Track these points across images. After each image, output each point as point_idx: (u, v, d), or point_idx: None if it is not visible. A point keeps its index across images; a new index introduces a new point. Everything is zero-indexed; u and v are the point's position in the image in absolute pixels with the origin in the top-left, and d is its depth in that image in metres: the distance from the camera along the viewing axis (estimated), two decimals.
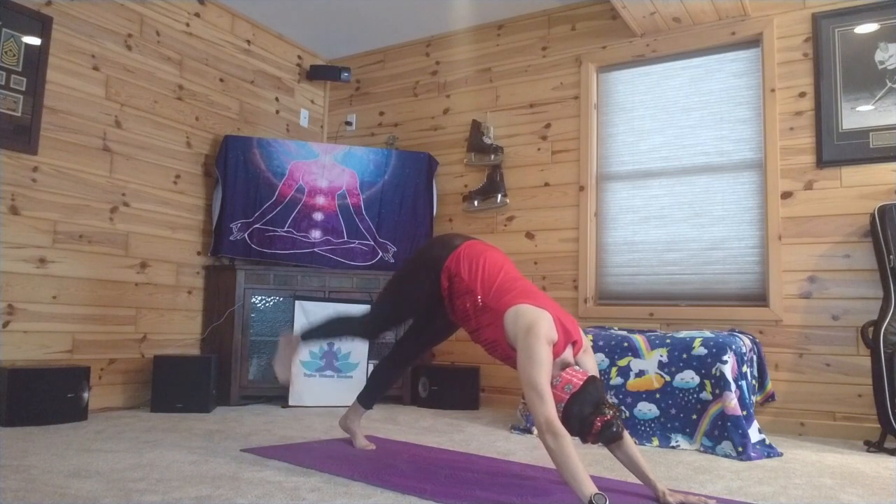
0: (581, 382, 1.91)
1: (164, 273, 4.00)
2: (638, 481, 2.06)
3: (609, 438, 1.88)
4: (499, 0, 4.36)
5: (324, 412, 3.71)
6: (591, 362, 2.14)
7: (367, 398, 2.74)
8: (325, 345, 3.98)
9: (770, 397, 3.41)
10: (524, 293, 2.15)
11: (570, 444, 1.81)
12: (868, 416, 3.24)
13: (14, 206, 3.26)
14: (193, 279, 4.18)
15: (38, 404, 3.00)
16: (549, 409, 1.86)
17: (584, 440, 1.91)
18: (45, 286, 3.38)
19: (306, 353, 3.93)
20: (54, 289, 3.42)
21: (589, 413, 1.87)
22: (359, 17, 4.64)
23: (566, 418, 1.88)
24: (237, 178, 4.19)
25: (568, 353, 2.08)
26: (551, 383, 1.93)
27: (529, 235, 4.34)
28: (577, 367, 2.02)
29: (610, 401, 1.93)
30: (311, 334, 2.68)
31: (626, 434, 1.98)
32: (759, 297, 3.65)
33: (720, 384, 2.90)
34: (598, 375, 2.05)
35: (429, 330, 2.60)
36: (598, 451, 2.67)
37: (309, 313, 3.97)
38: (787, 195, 3.59)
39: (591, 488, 1.73)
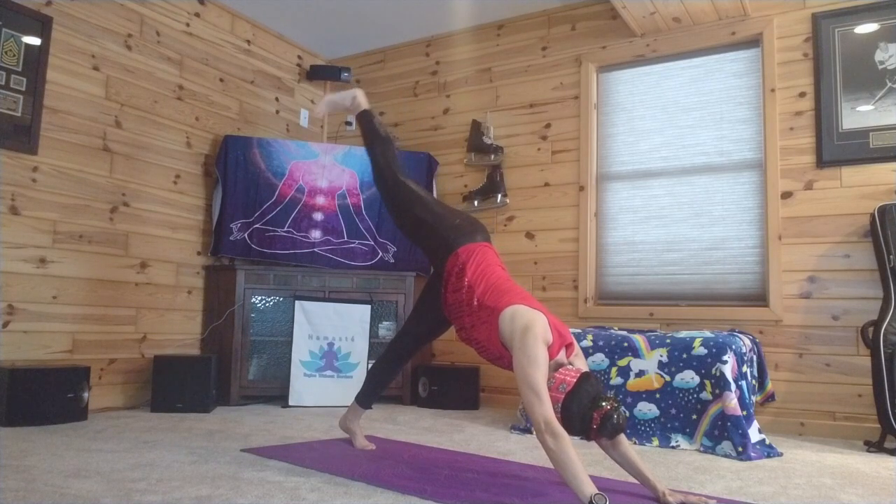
0: (574, 380, 1.92)
1: (164, 273, 4.00)
2: (638, 482, 2.06)
3: (612, 431, 1.88)
4: (499, 0, 4.36)
5: (324, 412, 3.71)
6: (583, 365, 2.15)
7: (365, 398, 2.74)
8: (325, 344, 3.98)
9: (770, 397, 3.41)
10: (520, 296, 2.18)
11: (570, 444, 1.81)
12: (868, 416, 3.24)
13: (14, 206, 3.26)
14: (193, 279, 4.18)
15: (38, 404, 3.00)
16: (547, 410, 1.87)
17: (588, 437, 1.91)
18: (45, 286, 3.38)
19: (306, 352, 3.94)
20: (54, 289, 3.42)
21: (587, 409, 1.87)
22: (359, 17, 4.63)
23: (566, 417, 1.88)
24: (237, 178, 4.19)
25: (562, 356, 2.09)
26: (546, 384, 1.94)
27: (529, 235, 4.34)
28: (570, 367, 2.02)
29: (607, 394, 1.93)
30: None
31: (621, 435, 1.97)
32: (759, 297, 3.65)
33: (720, 384, 2.90)
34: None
35: (422, 327, 2.61)
36: (599, 451, 2.66)
37: (309, 313, 3.97)
38: (787, 195, 3.59)
39: (590, 488, 1.73)
